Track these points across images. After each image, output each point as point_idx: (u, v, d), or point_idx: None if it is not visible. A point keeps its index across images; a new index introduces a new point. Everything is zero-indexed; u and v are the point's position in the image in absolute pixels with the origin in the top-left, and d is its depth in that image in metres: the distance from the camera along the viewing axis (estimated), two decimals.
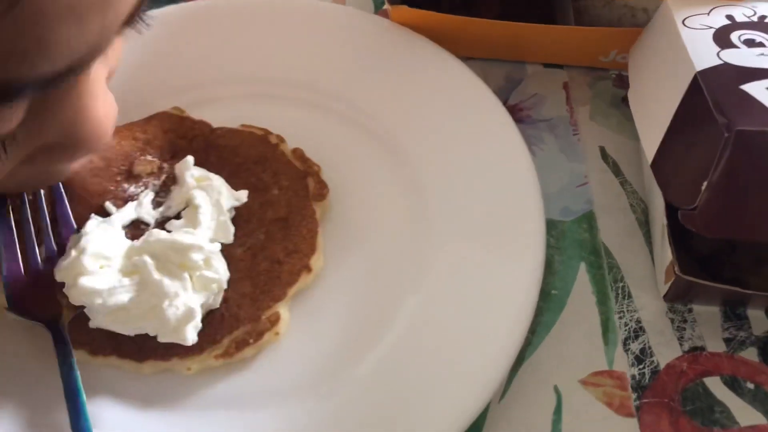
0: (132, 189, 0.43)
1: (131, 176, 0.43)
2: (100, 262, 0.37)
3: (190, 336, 0.36)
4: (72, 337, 0.38)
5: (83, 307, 0.37)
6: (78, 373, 0.36)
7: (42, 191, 0.41)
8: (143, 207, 0.42)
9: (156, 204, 0.42)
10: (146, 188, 0.43)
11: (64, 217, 0.41)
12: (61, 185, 0.41)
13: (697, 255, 0.39)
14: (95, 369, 0.38)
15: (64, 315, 0.38)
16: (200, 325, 0.37)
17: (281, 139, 0.46)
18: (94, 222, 0.39)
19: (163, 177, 0.43)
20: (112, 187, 0.42)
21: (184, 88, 0.49)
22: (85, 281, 0.36)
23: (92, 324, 0.37)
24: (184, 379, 0.38)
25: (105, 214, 0.41)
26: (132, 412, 0.37)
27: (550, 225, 0.44)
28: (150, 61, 0.50)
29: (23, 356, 0.38)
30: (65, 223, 0.41)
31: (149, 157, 0.44)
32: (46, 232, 0.40)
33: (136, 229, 0.41)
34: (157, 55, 0.50)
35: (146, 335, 0.37)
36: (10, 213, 0.40)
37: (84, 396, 0.35)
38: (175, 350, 0.37)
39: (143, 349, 0.38)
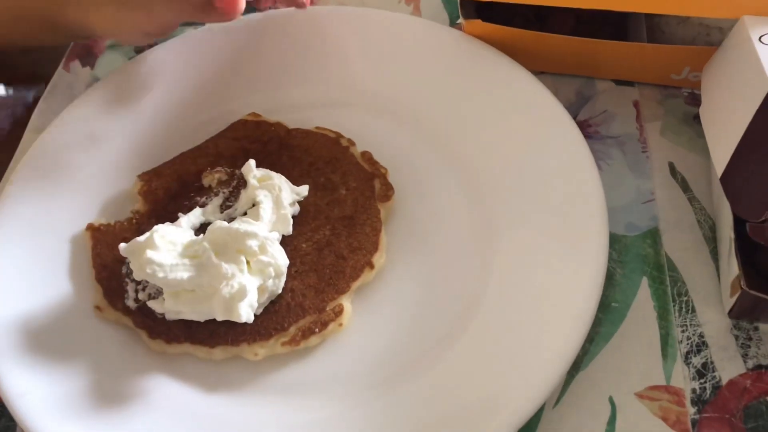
0: (204, 200, 0.46)
1: (203, 189, 0.46)
2: (168, 245, 0.40)
3: (244, 312, 0.38)
4: (150, 327, 0.41)
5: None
6: None
7: None
8: (209, 210, 0.45)
9: (225, 207, 0.45)
10: (216, 196, 0.45)
11: None
12: None
13: (766, 273, 0.39)
14: (170, 358, 0.40)
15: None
16: (255, 304, 0.39)
17: (352, 143, 0.48)
18: (163, 224, 0.42)
19: (234, 183, 0.46)
20: (186, 202, 0.46)
21: (263, 94, 0.52)
22: (151, 254, 0.39)
23: (165, 308, 0.40)
24: (251, 365, 0.40)
25: None
26: (199, 396, 0.39)
27: (614, 239, 0.44)
28: (232, 67, 0.53)
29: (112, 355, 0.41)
30: None
31: (217, 168, 0.47)
32: None
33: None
34: (240, 61, 0.53)
35: (216, 324, 0.40)
36: None
37: None
38: (244, 336, 0.39)
39: (214, 335, 0.40)
